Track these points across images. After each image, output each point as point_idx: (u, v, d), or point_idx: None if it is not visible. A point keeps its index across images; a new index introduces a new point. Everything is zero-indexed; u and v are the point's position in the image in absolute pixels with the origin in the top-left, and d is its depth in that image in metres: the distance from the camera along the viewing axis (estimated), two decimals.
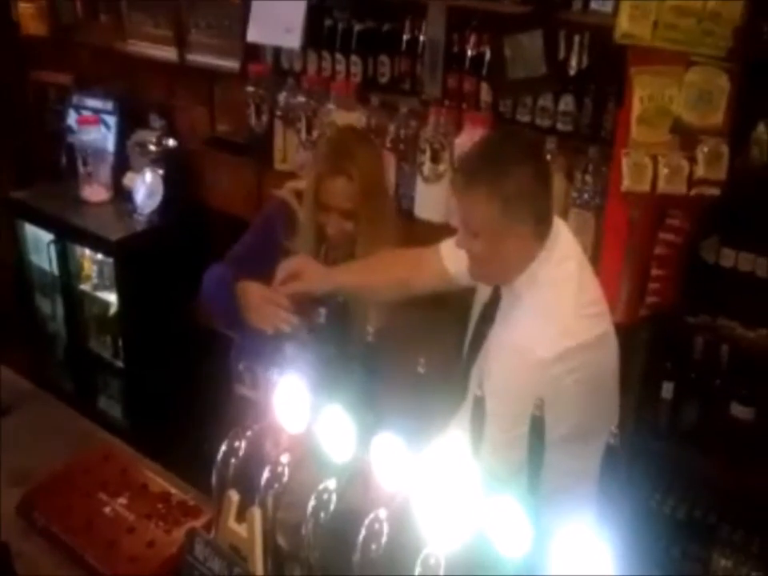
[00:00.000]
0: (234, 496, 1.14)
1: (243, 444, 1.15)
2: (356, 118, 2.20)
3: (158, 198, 2.73)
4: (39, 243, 2.94)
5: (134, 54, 2.83)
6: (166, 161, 2.77)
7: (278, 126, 2.43)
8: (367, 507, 0.99)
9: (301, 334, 1.57)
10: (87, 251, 2.87)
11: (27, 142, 3.25)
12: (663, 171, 1.70)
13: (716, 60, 1.64)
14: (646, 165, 1.71)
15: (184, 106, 2.84)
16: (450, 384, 1.46)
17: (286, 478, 1.09)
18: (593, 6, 1.81)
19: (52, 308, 3.09)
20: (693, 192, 1.71)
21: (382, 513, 0.98)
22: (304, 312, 1.58)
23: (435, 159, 2.09)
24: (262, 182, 2.53)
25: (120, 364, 2.87)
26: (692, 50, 1.64)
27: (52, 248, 2.82)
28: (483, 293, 1.54)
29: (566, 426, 1.29)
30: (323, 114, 2.28)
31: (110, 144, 2.89)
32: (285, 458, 1.10)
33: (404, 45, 2.15)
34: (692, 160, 1.69)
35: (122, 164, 2.86)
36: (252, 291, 1.63)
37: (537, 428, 0.94)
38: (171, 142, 2.80)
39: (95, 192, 2.87)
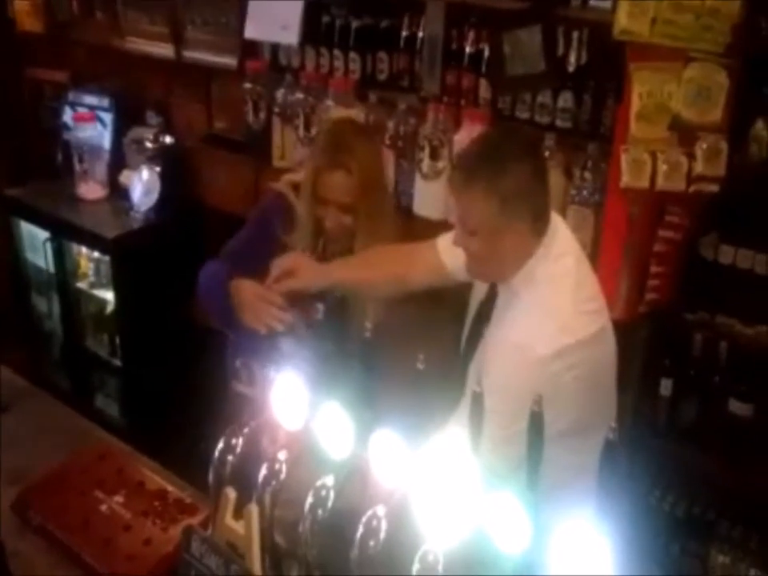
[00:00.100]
0: (231, 493, 1.13)
1: (240, 441, 1.14)
2: (354, 114, 2.19)
3: (154, 196, 2.72)
4: (35, 241, 2.93)
5: (130, 50, 2.81)
6: (163, 158, 2.76)
7: (276, 122, 2.42)
8: (365, 504, 0.98)
9: (298, 330, 1.57)
10: (83, 249, 2.86)
11: (23, 140, 3.24)
12: (662, 168, 1.70)
13: (715, 56, 1.63)
14: (645, 161, 1.70)
15: (181, 103, 2.83)
16: (448, 380, 1.45)
17: (283, 476, 1.09)
18: (591, 2, 1.80)
19: (48, 306, 3.07)
20: (692, 188, 1.71)
21: (380, 510, 0.97)
22: (301, 308, 1.57)
23: (434, 156, 2.08)
24: (259, 180, 2.52)
25: (117, 362, 2.86)
26: (691, 46, 1.64)
27: (48, 246, 2.81)
28: (480, 289, 1.54)
29: (565, 421, 1.28)
30: (321, 111, 2.27)
31: (106, 141, 2.88)
32: (282, 455, 1.09)
33: (402, 41, 2.14)
34: (691, 156, 1.69)
35: (119, 161, 2.85)
36: (245, 289, 1.60)
37: (536, 424, 0.93)
38: (168, 140, 2.79)
39: (91, 189, 2.86)
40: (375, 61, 2.21)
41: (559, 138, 1.91)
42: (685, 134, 1.69)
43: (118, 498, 1.43)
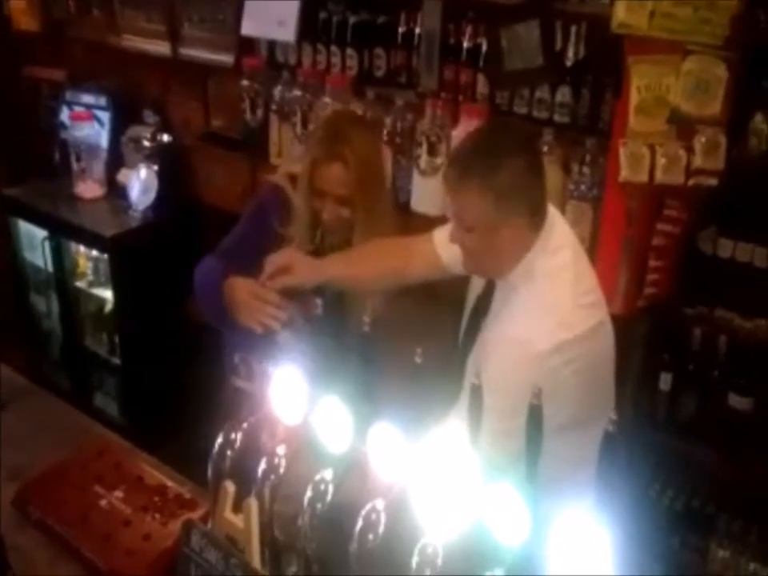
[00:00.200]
0: (230, 487, 1.13)
1: (239, 436, 1.14)
2: None
3: (152, 194, 2.72)
4: (33, 240, 2.93)
5: (127, 48, 2.81)
6: (161, 156, 2.76)
7: (274, 120, 2.42)
8: (364, 498, 0.98)
9: (296, 325, 1.56)
10: (82, 248, 2.85)
11: (20, 139, 3.23)
12: (661, 161, 1.70)
13: (713, 49, 1.63)
14: (643, 155, 1.70)
15: (178, 101, 2.83)
16: (447, 374, 1.45)
17: (282, 470, 1.09)
18: None
19: (47, 305, 3.07)
20: (690, 182, 1.70)
21: (379, 503, 0.97)
22: (299, 302, 1.56)
23: (432, 152, 2.08)
24: (257, 177, 2.52)
25: (116, 361, 2.86)
26: (689, 38, 1.63)
27: (46, 245, 2.81)
28: (477, 283, 1.53)
29: (564, 415, 1.28)
30: (319, 108, 2.27)
31: (104, 140, 2.88)
32: (281, 450, 1.09)
33: (400, 37, 2.14)
34: (689, 150, 1.68)
35: (116, 160, 2.85)
36: (240, 288, 1.57)
37: (535, 417, 0.93)
38: (165, 138, 2.79)
39: (89, 188, 2.86)
40: (372, 57, 2.21)
41: (557, 133, 1.91)
42: (683, 127, 1.69)
43: (118, 493, 1.42)
